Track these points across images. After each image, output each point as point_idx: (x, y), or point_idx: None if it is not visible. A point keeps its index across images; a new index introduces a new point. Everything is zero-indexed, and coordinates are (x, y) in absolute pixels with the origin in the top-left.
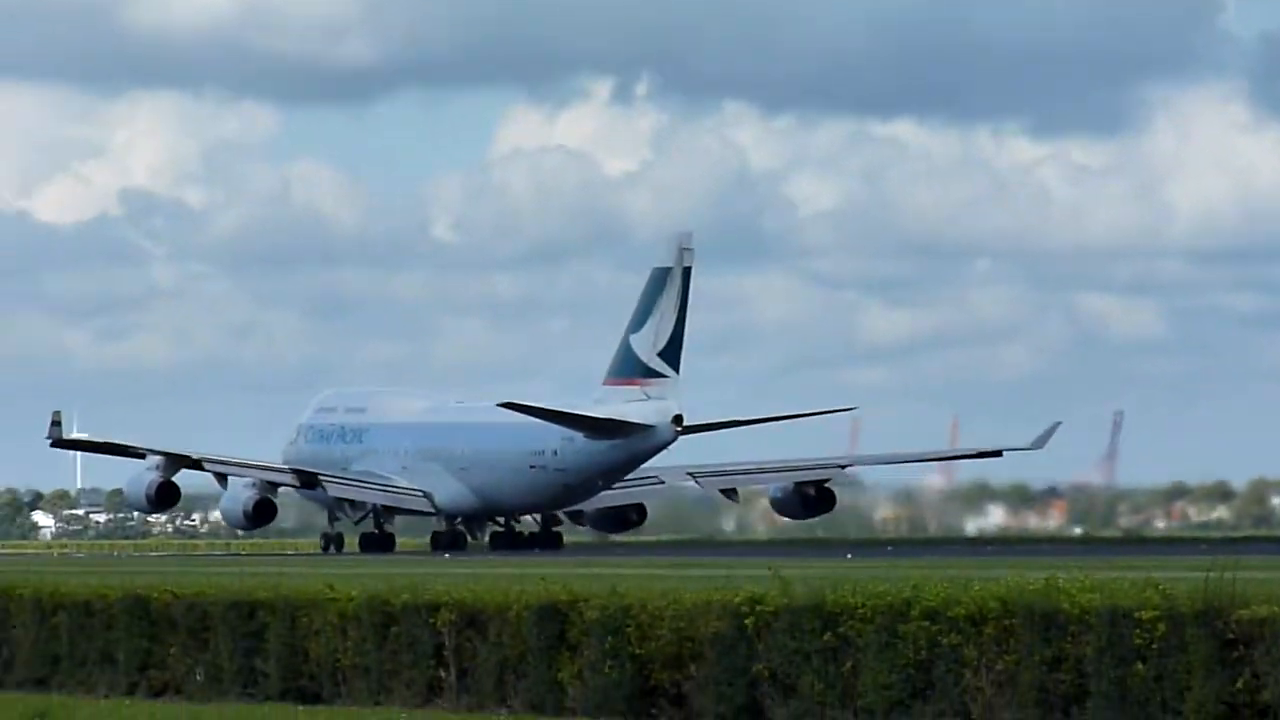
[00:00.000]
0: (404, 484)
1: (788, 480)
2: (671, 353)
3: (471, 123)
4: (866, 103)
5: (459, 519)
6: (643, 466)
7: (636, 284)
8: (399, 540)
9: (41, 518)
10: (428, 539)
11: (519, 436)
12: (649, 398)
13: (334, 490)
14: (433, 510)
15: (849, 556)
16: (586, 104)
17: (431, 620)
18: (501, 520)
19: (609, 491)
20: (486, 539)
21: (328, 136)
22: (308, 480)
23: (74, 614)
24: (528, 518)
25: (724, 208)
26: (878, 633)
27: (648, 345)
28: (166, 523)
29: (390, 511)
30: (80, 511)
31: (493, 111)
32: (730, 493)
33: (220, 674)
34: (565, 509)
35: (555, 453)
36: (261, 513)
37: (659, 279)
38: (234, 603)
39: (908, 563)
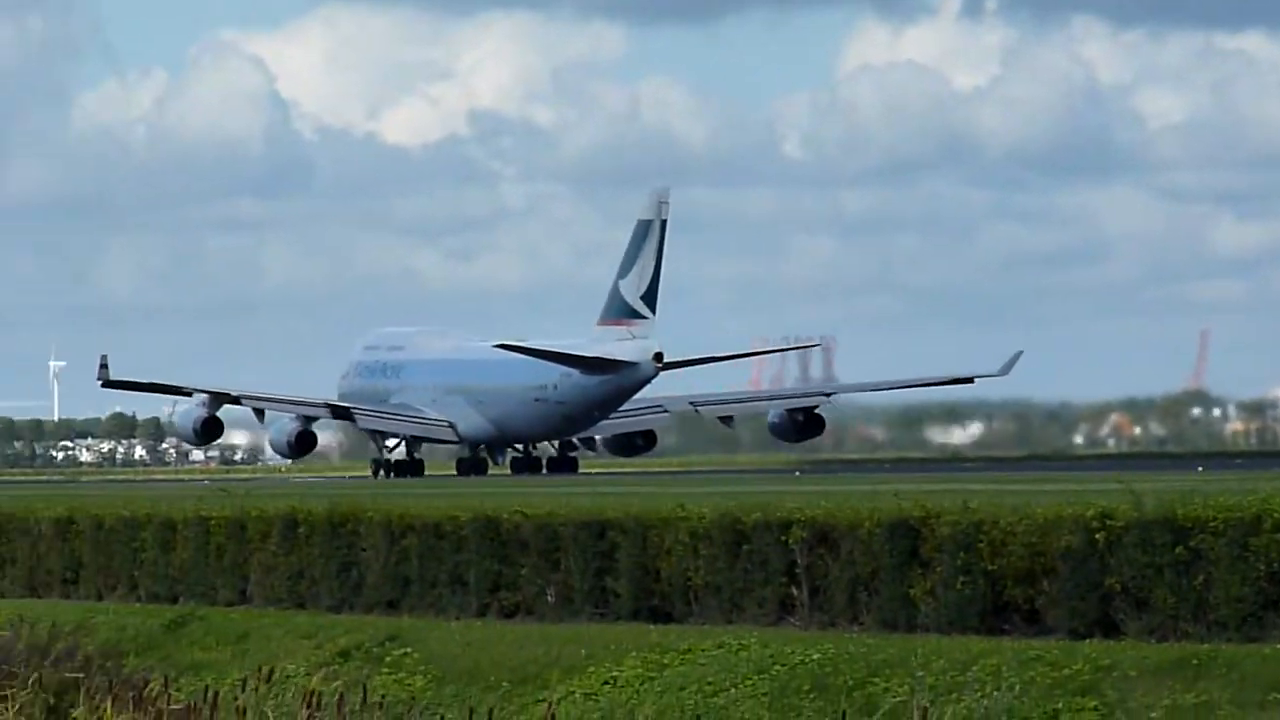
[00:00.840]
0: (432, 415)
1: (780, 408)
2: (650, 296)
3: (819, 39)
4: (1215, 16)
5: (481, 446)
6: (648, 397)
7: (986, 199)
8: (429, 466)
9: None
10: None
11: (525, 372)
12: (633, 337)
13: (364, 422)
14: (457, 439)
15: (1199, 470)
16: (934, 19)
17: (783, 538)
18: (520, 447)
19: (620, 419)
20: (508, 464)
21: (676, 55)
22: (340, 413)
23: (424, 537)
24: (545, 445)
25: (1072, 122)
26: (1229, 546)
27: (633, 289)
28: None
29: (418, 440)
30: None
31: (840, 28)
32: (727, 419)
33: (571, 594)
34: (570, 436)
35: (555, 387)
36: (303, 443)
37: (642, 230)
38: (585, 523)
39: (1259, 475)
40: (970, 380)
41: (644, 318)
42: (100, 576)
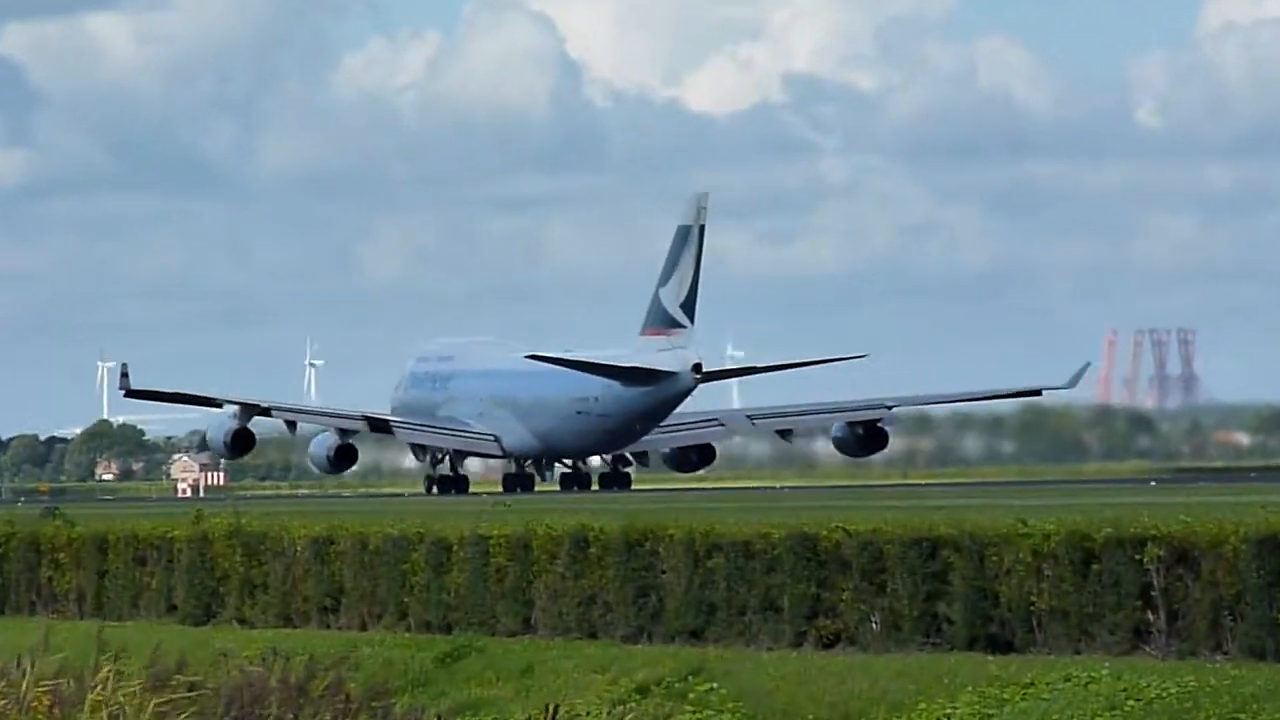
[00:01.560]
0: (478, 428)
1: (840, 420)
2: (689, 305)
3: None
4: None
5: (528, 461)
6: (707, 410)
7: None
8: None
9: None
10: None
11: (568, 384)
12: (673, 347)
13: (403, 436)
14: (502, 453)
15: None
16: None
17: (1137, 557)
18: (569, 462)
19: (678, 433)
20: (557, 480)
21: (1015, 11)
22: (379, 426)
23: (732, 557)
24: (595, 460)
25: None
26: None
27: (672, 298)
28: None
29: (461, 455)
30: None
31: None
32: (785, 433)
33: (898, 621)
34: (615, 451)
35: (597, 399)
36: (343, 457)
37: (682, 235)
38: (914, 540)
39: None
40: (1038, 393)
41: (683, 327)
42: (364, 604)
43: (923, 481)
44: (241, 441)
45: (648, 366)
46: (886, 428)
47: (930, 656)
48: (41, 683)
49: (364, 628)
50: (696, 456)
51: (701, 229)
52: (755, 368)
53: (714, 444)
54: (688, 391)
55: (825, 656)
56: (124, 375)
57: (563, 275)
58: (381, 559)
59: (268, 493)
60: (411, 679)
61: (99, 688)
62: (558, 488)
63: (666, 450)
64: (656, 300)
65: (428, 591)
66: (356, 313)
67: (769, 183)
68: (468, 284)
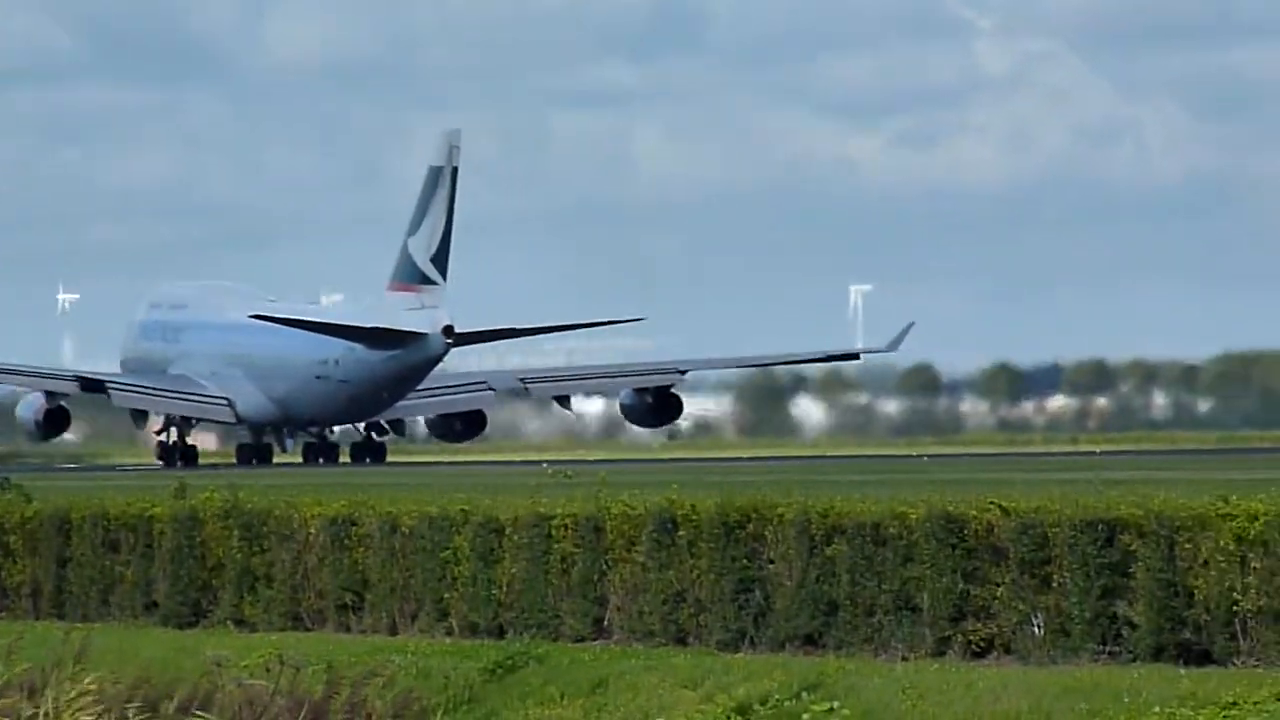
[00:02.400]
0: (212, 391)
1: (626, 387)
2: (441, 258)
3: None
4: None
5: (266, 429)
6: (469, 372)
7: None
8: (217, 453)
9: None
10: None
11: (308, 345)
12: (423, 306)
13: (119, 399)
14: (236, 420)
15: None
16: None
17: None
18: (314, 430)
19: (442, 398)
20: (299, 451)
21: None
22: (92, 386)
23: (858, 543)
24: (349, 429)
25: None
26: None
27: (423, 250)
28: None
29: (189, 422)
30: None
31: None
32: (563, 400)
33: (1067, 624)
34: (362, 419)
35: (337, 362)
36: (53, 422)
37: (433, 178)
38: (1087, 523)
39: None
40: (856, 356)
41: (434, 284)
42: (394, 601)
43: (1096, 449)
44: None
45: (391, 328)
46: (679, 394)
47: (1106, 669)
48: None
49: (394, 631)
50: (462, 425)
51: (455, 171)
52: (515, 330)
53: (484, 410)
54: (438, 357)
55: (974, 668)
56: None
57: (648, 190)
58: (416, 545)
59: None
60: (453, 695)
61: (56, 710)
62: (300, 460)
63: (429, 417)
64: (405, 252)
65: (474, 586)
66: (385, 234)
67: (910, 72)
68: (531, 203)
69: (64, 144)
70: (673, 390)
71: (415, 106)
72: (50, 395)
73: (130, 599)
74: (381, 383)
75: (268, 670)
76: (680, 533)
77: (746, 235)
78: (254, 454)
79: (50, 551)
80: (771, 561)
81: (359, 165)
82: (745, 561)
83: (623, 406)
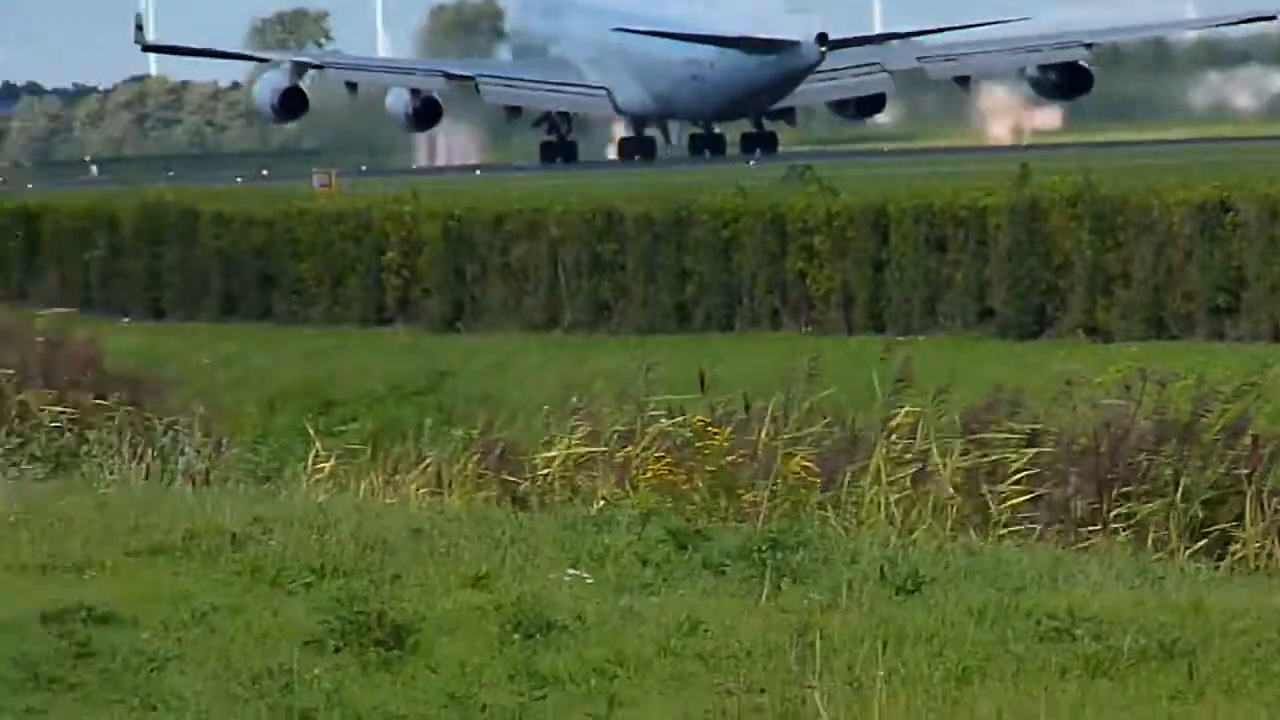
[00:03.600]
0: (590, 79)
1: (1030, 64)
2: None
3: None
4: None
5: (649, 122)
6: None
7: None
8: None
9: None
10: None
11: (681, 46)
12: (795, 10)
13: (491, 96)
14: (615, 111)
15: None
16: None
17: None
18: (700, 123)
19: (834, 84)
20: (686, 143)
21: None
22: (459, 82)
23: None
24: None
25: None
26: None
27: None
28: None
29: (566, 118)
30: None
31: None
32: (963, 80)
33: None
34: (740, 118)
35: (711, 65)
36: (422, 117)
37: None
38: None
39: None
40: (1272, 18)
41: None
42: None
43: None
44: (292, 101)
45: (759, 36)
46: (1089, 67)
47: None
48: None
49: (1277, 338)
50: (857, 108)
51: None
52: (892, 34)
53: (885, 93)
54: (814, 65)
55: None
56: (139, 29)
57: None
58: None
59: None
60: None
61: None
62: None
63: (828, 102)
64: None
65: None
66: None
67: None
68: None
69: None
70: (1079, 64)
71: None
72: (415, 93)
73: (961, 306)
74: (757, 87)
75: (1127, 388)
76: None
77: None
78: (637, 148)
79: (864, 254)
80: None
81: None
82: None
83: (1031, 82)
